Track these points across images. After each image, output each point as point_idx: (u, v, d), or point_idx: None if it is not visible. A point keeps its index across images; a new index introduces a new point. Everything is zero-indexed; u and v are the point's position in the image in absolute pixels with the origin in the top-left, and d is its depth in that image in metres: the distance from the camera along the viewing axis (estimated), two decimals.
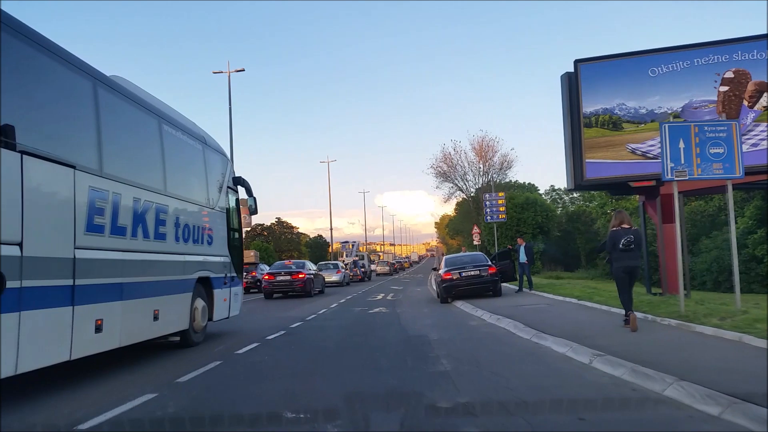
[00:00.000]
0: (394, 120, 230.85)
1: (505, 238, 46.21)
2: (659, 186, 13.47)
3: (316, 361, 7.21)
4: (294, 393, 5.31)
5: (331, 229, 59.98)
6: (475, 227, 43.54)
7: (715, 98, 13.36)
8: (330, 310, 15.00)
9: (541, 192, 57.10)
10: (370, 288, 27.93)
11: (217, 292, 9.47)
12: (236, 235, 10.64)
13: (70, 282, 5.52)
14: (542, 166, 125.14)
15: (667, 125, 8.70)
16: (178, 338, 8.37)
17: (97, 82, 6.47)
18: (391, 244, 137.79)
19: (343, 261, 40.19)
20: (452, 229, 69.29)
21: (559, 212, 50.09)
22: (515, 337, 8.47)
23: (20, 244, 4.81)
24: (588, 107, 13.97)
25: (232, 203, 10.56)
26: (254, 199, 11.27)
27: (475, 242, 43.80)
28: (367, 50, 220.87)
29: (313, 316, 13.30)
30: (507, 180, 56.09)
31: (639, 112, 13.82)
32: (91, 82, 6.37)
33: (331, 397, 5.04)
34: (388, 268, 53.31)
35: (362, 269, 38.74)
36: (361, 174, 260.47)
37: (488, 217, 32.68)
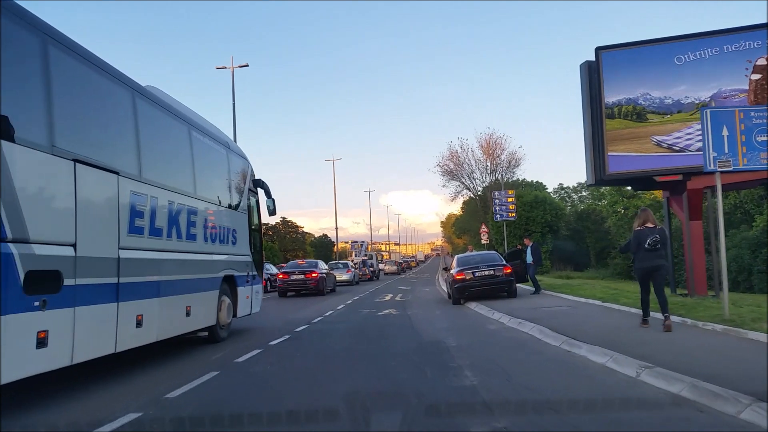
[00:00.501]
0: (396, 119, 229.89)
1: (513, 237, 45.41)
2: (686, 181, 12.70)
3: (323, 371, 6.46)
4: (297, 414, 4.56)
5: (336, 228, 59.40)
6: (483, 226, 42.81)
7: (746, 87, 12.55)
8: (337, 311, 14.38)
9: (549, 190, 56.22)
10: (378, 287, 27.33)
11: (240, 289, 9.90)
12: (257, 235, 11.15)
13: (115, 280, 5.91)
14: (550, 164, 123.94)
15: (708, 110, 7.90)
16: (206, 333, 8.81)
17: (135, 92, 6.88)
18: (395, 244, 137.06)
19: (353, 260, 40.04)
20: (459, 228, 68.42)
21: (568, 211, 49.23)
22: (543, 344, 7.71)
23: (74, 245, 5.21)
24: (610, 97, 13.19)
25: (253, 204, 11.07)
26: (273, 200, 11.72)
27: (483, 241, 43.03)
28: (367, 50, 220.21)
29: (319, 318, 12.68)
30: (515, 178, 55.23)
31: (664, 103, 13.02)
32: (130, 93, 6.77)
33: (342, 419, 4.31)
34: (395, 267, 53.47)
35: (371, 268, 38.90)
36: (364, 174, 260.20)
37: (497, 216, 31.88)
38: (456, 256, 16.86)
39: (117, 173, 6.08)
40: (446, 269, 17.46)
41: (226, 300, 9.27)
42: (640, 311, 9.81)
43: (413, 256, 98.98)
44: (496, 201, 31.88)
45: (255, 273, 10.82)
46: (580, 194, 56.45)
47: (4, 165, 4.42)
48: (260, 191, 11.50)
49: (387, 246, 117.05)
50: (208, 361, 7.25)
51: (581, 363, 6.19)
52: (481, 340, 8.32)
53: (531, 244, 16.58)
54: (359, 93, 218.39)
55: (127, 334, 6.11)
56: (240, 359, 7.18)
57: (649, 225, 7.78)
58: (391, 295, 20.36)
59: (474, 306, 13.50)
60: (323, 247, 72.17)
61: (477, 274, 14.45)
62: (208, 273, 8.58)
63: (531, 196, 43.61)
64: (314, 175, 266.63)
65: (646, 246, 7.62)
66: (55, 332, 4.84)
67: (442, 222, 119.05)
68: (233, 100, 28.58)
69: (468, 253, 19.27)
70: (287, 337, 9.40)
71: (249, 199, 10.67)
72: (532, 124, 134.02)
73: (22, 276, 4.51)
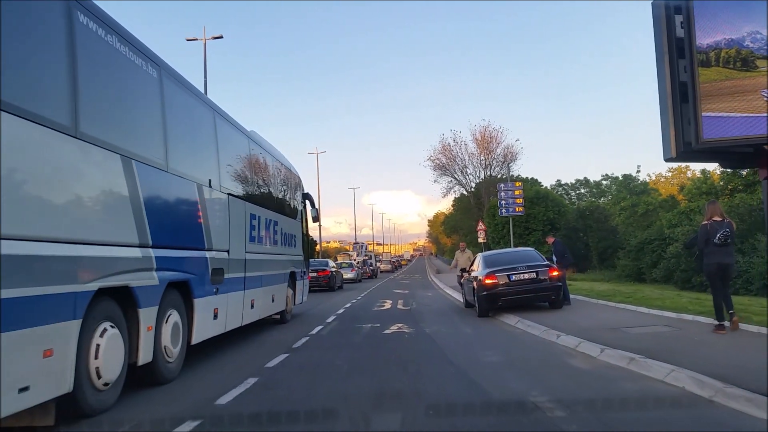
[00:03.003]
0: (379, 118, 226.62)
1: (513, 236, 41.75)
2: None
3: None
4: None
5: (320, 226, 55.97)
6: (480, 223, 39.59)
7: None
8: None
9: (546, 187, 53.15)
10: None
11: (298, 283, 12.40)
12: (306, 239, 13.52)
13: (243, 275, 8.45)
14: (546, 161, 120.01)
15: None
16: (278, 317, 11.21)
17: (267, 154, 10.63)
18: (378, 244, 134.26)
19: (355, 260, 41.42)
20: (449, 226, 64.91)
21: (570, 208, 46.09)
22: (734, 413, 4.18)
23: (228, 251, 7.86)
24: (703, 39, 9.72)
25: (304, 213, 13.36)
26: (316, 209, 13.98)
27: (480, 240, 39.90)
28: (352, 45, 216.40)
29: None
30: (510, 174, 52.05)
31: None
32: (263, 153, 10.47)
33: None
34: (390, 265, 59.56)
35: (371, 267, 42.49)
36: (347, 171, 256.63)
37: (503, 211, 28.56)
38: (480, 255, 13.23)
39: (245, 201, 8.78)
40: (464, 271, 13.88)
41: (291, 291, 11.73)
42: None
43: (401, 256, 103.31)
44: (502, 195, 28.56)
45: (305, 270, 13.46)
46: (578, 191, 53.47)
47: (210, 207, 7.33)
48: (307, 202, 13.62)
49: (372, 246, 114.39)
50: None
51: None
52: (599, 397, 4.72)
53: (554, 241, 13.11)
54: (341, 87, 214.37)
55: (247, 313, 8.77)
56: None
57: (717, 218, 7.45)
58: (390, 302, 16.76)
59: (512, 320, 10.04)
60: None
61: (514, 277, 10.94)
62: (282, 269, 11.04)
63: (532, 191, 40.46)
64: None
65: (716, 241, 7.27)
66: (220, 310, 7.49)
67: (429, 221, 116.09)
68: (205, 76, 24.77)
69: (497, 251, 15.53)
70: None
71: (302, 209, 13.15)
72: (525, 123, 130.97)
73: (210, 272, 7.13)
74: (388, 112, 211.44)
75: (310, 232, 15.17)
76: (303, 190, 13.56)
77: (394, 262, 67.17)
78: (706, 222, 7.49)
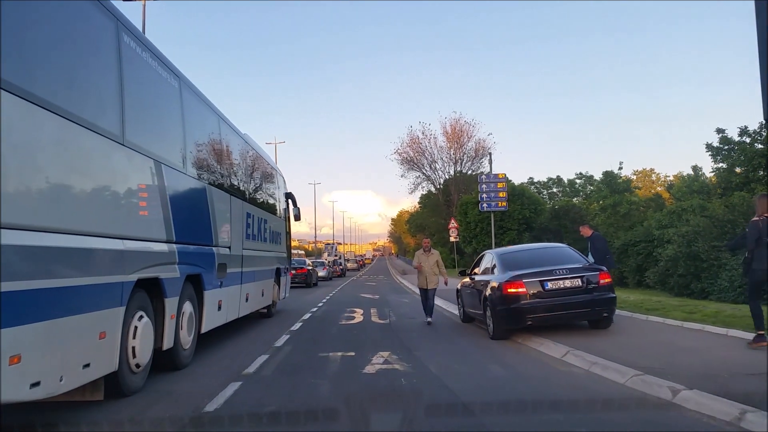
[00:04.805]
0: (340, 114, 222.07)
1: (485, 234, 38.77)
2: None
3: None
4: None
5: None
6: (453, 221, 36.68)
7: None
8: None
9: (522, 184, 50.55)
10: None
11: (282, 279, 13.02)
12: (288, 237, 14.26)
13: (239, 270, 8.93)
14: (515, 159, 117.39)
15: None
16: (265, 310, 11.83)
17: (246, 144, 10.38)
18: (338, 243, 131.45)
19: (326, 259, 42.45)
20: (414, 224, 61.62)
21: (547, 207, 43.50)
22: None
23: (229, 247, 8.32)
24: None
25: (286, 211, 14.08)
26: (298, 208, 14.73)
27: (452, 238, 37.01)
28: (315, 42, 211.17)
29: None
30: (480, 171, 49.25)
31: None
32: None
33: None
34: (356, 264, 63.72)
35: (340, 267, 45.66)
36: (306, 168, 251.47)
37: (484, 205, 25.54)
38: (494, 253, 9.49)
39: (242, 200, 9.40)
40: (468, 275, 10.45)
41: (276, 286, 12.40)
42: None
43: (363, 255, 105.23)
44: (483, 188, 25.55)
45: (288, 267, 14.23)
46: (550, 190, 51.10)
47: (218, 206, 7.88)
48: (289, 201, 14.27)
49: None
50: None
51: None
52: None
53: (592, 234, 9.90)
54: (301, 83, 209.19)
55: (243, 306, 9.31)
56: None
57: None
58: (362, 311, 13.26)
59: (553, 350, 6.88)
60: None
61: (550, 285, 7.68)
62: (270, 266, 11.69)
63: (507, 187, 37.60)
64: None
65: None
66: (223, 302, 8.00)
67: (393, 219, 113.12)
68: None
69: (516, 248, 11.02)
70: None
71: (286, 207, 13.90)
72: (495, 120, 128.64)
73: (216, 266, 7.62)
74: (349, 109, 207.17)
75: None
76: (286, 189, 14.19)
77: (358, 261, 74.32)
78: (757, 218, 6.53)
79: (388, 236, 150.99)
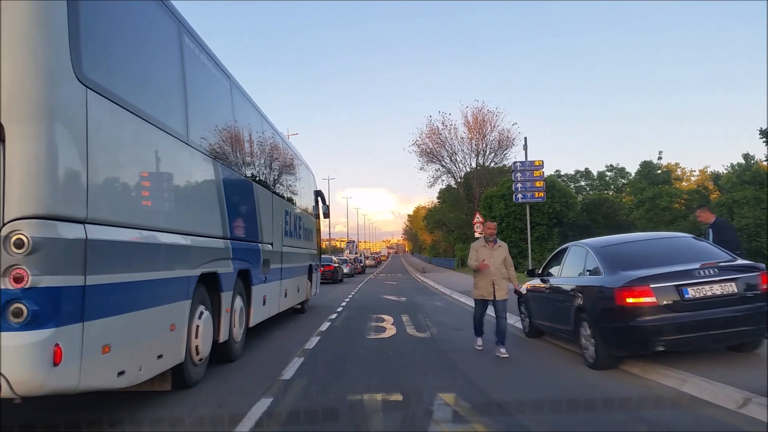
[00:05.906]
0: (355, 111, 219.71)
1: (512, 230, 36.11)
2: None
3: None
4: None
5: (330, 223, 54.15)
6: (477, 215, 34.02)
7: None
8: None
9: (551, 175, 47.86)
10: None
11: (314, 275, 13.29)
12: (319, 234, 14.62)
13: (280, 266, 9.18)
14: (542, 150, 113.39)
15: None
16: (299, 306, 11.98)
17: (286, 146, 10.96)
18: (350, 241, 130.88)
19: (348, 257, 42.66)
20: (433, 220, 58.93)
21: (579, 200, 40.81)
22: None
23: (272, 244, 8.61)
24: None
25: (316, 209, 14.18)
26: (327, 206, 14.87)
27: (477, 234, 34.27)
28: (333, 38, 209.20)
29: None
30: (503, 164, 46.68)
31: None
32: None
33: None
34: (374, 261, 68.56)
35: (361, 264, 46.57)
36: (319, 164, 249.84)
37: (519, 195, 23.01)
38: (588, 244, 6.87)
39: (281, 197, 9.73)
40: (535, 274, 8.04)
41: (309, 282, 12.65)
42: None
43: (379, 253, 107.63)
44: (518, 176, 22.94)
45: (318, 263, 14.50)
46: (577, 183, 48.35)
47: (263, 204, 8.19)
48: (319, 198, 14.37)
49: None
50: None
51: None
52: None
53: (714, 220, 7.44)
54: (315, 78, 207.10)
55: (282, 301, 9.60)
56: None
57: None
58: (392, 319, 10.94)
59: (698, 389, 4.64)
60: None
61: (691, 292, 5.25)
62: (304, 262, 11.92)
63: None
64: None
65: None
66: (267, 297, 8.22)
67: (409, 215, 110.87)
68: None
69: (620, 237, 7.90)
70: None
71: (315, 205, 14.02)
72: (523, 104, 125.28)
73: (262, 261, 7.85)
74: (362, 106, 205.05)
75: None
76: (316, 187, 14.42)
77: (376, 258, 78.57)
78: None
79: (403, 234, 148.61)
